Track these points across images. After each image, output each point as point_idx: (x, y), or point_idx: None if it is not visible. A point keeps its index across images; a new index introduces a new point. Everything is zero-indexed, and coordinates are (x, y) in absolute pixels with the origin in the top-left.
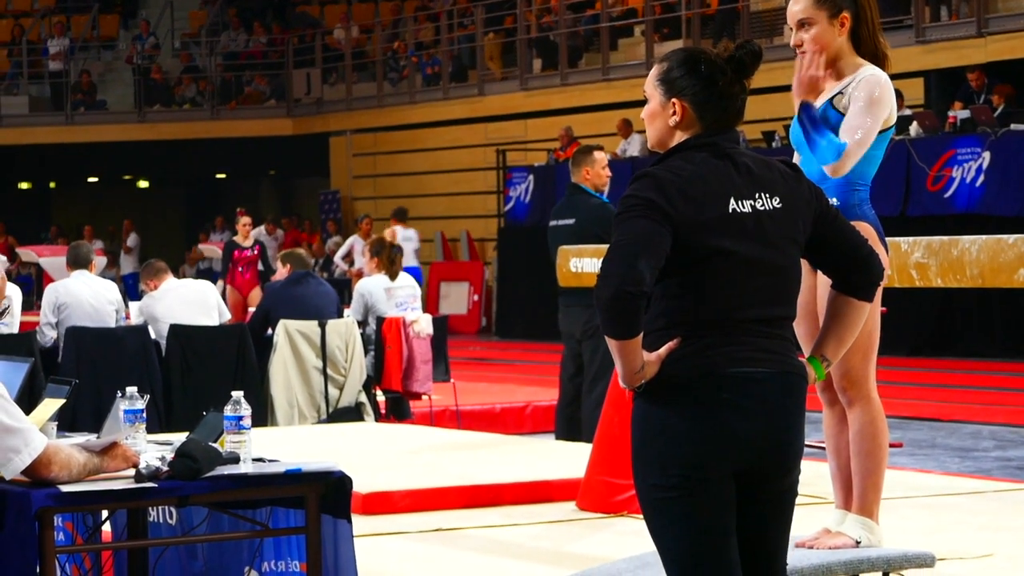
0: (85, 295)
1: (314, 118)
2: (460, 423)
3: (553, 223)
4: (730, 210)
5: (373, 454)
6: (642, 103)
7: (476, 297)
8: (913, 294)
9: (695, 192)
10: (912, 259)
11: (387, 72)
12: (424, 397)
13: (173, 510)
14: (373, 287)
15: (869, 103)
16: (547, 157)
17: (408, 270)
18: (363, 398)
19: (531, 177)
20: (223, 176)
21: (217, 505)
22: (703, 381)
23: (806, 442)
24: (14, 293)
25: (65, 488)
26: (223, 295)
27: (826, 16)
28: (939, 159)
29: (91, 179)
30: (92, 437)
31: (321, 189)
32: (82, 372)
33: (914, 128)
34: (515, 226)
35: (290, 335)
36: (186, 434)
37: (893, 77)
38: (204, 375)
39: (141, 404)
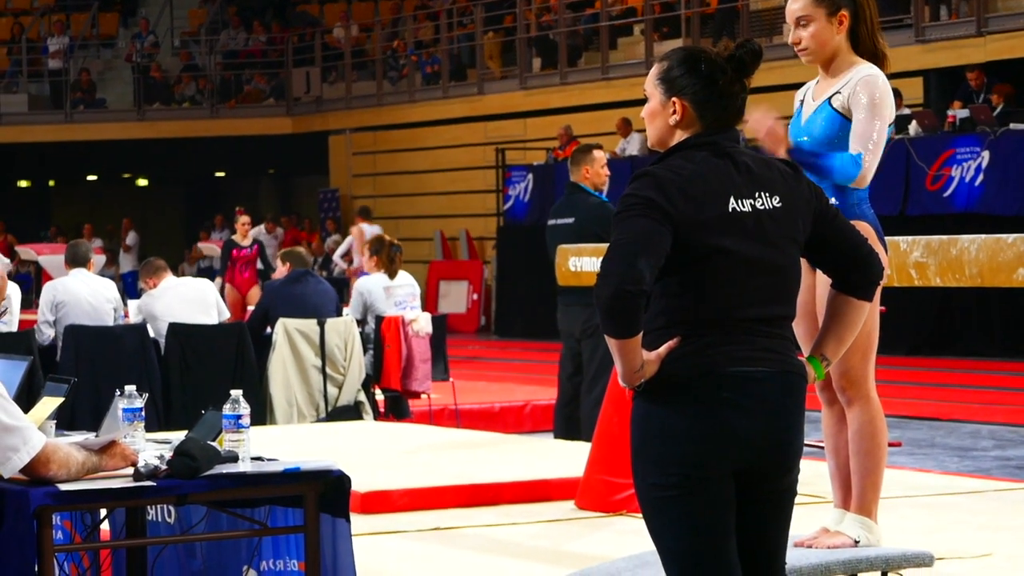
0: (83, 293)
1: (313, 117)
2: (459, 422)
3: (552, 222)
4: (730, 209)
5: (372, 453)
6: (641, 102)
7: (475, 296)
8: (912, 293)
9: (695, 191)
10: (911, 258)
11: (386, 71)
12: (423, 396)
13: (172, 509)
14: (372, 286)
15: (872, 106)
16: (546, 156)
17: None
18: (362, 397)
19: (530, 176)
20: (222, 174)
21: (216, 504)
22: (703, 380)
23: (805, 441)
24: (13, 292)
25: (63, 487)
26: (221, 293)
27: (824, 14)
28: (938, 158)
29: (90, 177)
30: (91, 436)
31: (320, 188)
32: (81, 370)
33: (913, 127)
34: (514, 225)
35: (289, 334)
36: (185, 433)
37: (892, 76)
38: (203, 374)
39: (140, 403)
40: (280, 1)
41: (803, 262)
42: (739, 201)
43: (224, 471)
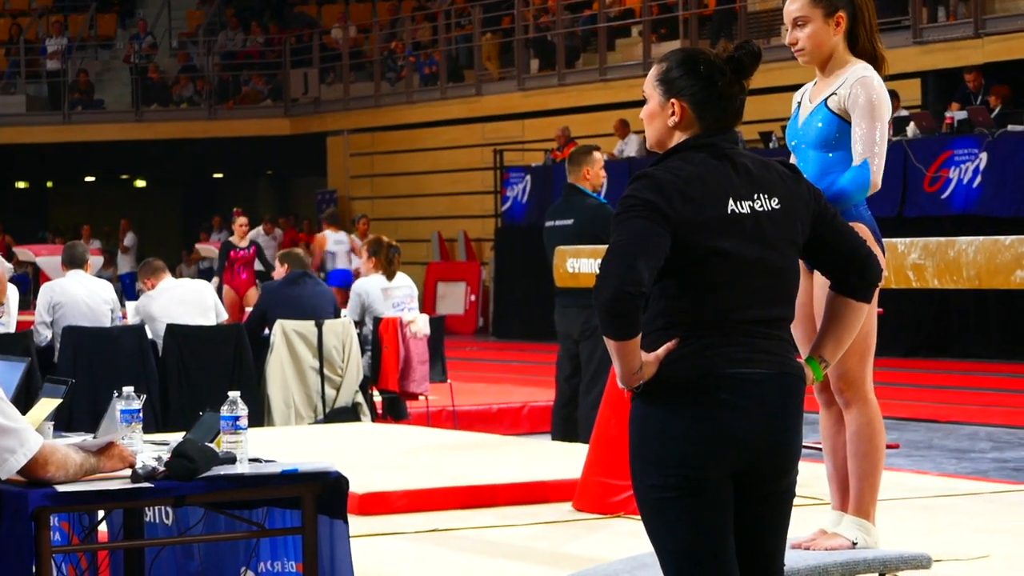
0: (80, 294)
1: (311, 118)
2: (457, 423)
3: (550, 223)
4: (729, 211)
5: (370, 454)
6: (640, 103)
7: (473, 297)
8: (910, 295)
9: (694, 193)
10: (909, 260)
11: (384, 72)
12: (421, 397)
13: (169, 510)
14: (370, 287)
15: (870, 109)
16: (544, 157)
17: (338, 272)
18: (360, 398)
19: (528, 177)
20: (220, 176)
21: (213, 505)
22: (701, 382)
23: (803, 443)
24: (11, 293)
25: (61, 488)
26: (218, 294)
27: (821, 15)
28: (936, 160)
29: (88, 178)
30: (88, 437)
31: (318, 189)
32: (79, 372)
33: (911, 129)
34: (512, 226)
35: (287, 335)
36: (182, 434)
37: (890, 78)
38: (201, 375)
39: (137, 404)
40: (278, 2)
41: (800, 265)
42: (738, 203)
43: (222, 472)
